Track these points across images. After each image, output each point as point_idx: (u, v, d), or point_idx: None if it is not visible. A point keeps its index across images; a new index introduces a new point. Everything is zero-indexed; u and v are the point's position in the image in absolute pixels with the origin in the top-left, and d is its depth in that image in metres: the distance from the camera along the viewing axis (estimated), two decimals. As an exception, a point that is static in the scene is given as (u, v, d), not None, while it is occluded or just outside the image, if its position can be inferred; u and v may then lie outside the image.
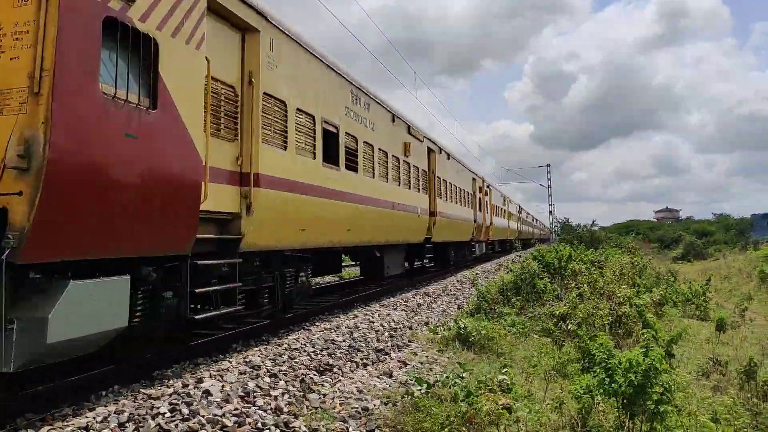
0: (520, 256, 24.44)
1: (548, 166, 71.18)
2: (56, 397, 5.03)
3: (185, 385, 5.31)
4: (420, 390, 5.44)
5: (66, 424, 4.37)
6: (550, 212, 70.56)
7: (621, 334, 8.95)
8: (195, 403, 4.86)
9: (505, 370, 6.03)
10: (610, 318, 9.23)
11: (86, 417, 4.48)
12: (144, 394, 5.10)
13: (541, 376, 6.87)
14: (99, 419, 4.44)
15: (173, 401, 4.87)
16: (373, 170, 12.17)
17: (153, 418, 4.52)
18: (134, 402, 4.88)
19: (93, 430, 4.28)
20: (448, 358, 7.79)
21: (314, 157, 9.16)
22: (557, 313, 9.74)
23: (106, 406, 4.77)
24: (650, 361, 4.48)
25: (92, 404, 4.96)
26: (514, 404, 4.89)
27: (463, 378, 5.70)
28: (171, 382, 5.52)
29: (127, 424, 4.41)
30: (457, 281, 18.45)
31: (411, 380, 6.13)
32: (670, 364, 6.07)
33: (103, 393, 5.30)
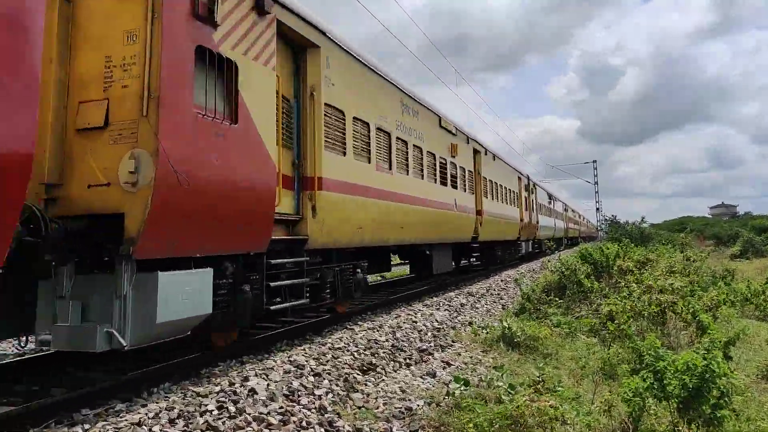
0: (561, 255, 23.93)
1: (594, 162, 69.34)
2: (111, 394, 5.22)
3: (232, 384, 5.42)
4: (462, 390, 5.38)
5: (120, 419, 4.52)
6: (597, 209, 68.82)
7: (669, 328, 8.65)
8: (241, 401, 4.95)
9: (543, 369, 5.89)
10: (656, 309, 8.92)
11: (138, 413, 4.63)
12: (193, 391, 5.22)
13: (589, 378, 6.70)
14: (151, 415, 4.57)
15: (220, 399, 4.98)
16: (422, 172, 12.71)
17: (201, 415, 4.63)
18: (183, 399, 5.01)
19: (145, 425, 4.41)
20: (493, 358, 7.69)
21: (369, 161, 9.83)
22: (605, 311, 9.48)
23: (157, 403, 4.91)
24: (708, 363, 4.29)
25: (144, 401, 5.12)
26: (562, 406, 4.78)
27: (506, 379, 5.61)
28: (218, 380, 5.64)
29: (177, 421, 4.52)
30: (501, 281, 18.21)
31: (454, 380, 6.08)
32: (728, 367, 5.81)
33: (155, 390, 5.46)
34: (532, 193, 30.28)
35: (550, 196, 39.57)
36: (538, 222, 31.44)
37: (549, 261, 21.00)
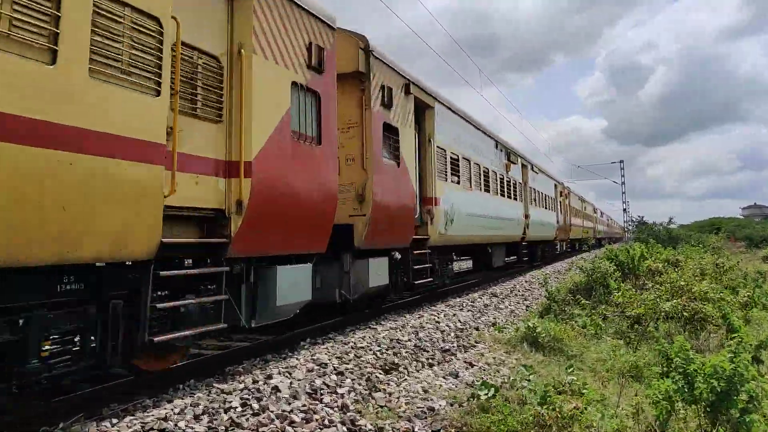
0: (590, 255, 23.81)
1: (621, 162, 68.16)
2: (138, 390, 5.32)
3: (255, 381, 5.48)
4: (486, 394, 5.34)
5: (146, 414, 4.60)
6: (624, 210, 67.70)
7: (697, 332, 8.47)
8: (264, 399, 5.00)
9: (571, 370, 5.82)
10: (685, 314, 8.75)
11: (165, 408, 4.71)
12: (217, 388, 5.30)
13: (615, 380, 6.60)
14: (176, 411, 4.65)
15: (244, 396, 5.03)
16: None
17: (225, 412, 4.69)
18: (208, 396, 5.08)
19: (171, 420, 4.48)
20: (516, 359, 7.62)
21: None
22: (632, 313, 9.33)
23: (182, 399, 4.99)
24: (735, 366, 4.19)
25: (170, 397, 5.21)
26: (586, 408, 4.71)
27: (530, 380, 5.55)
28: (242, 377, 5.71)
29: (201, 417, 4.59)
30: (526, 281, 18.04)
31: (477, 381, 6.04)
32: (758, 371, 5.67)
33: (180, 386, 5.55)
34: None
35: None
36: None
37: (574, 262, 20.89)
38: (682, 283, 10.69)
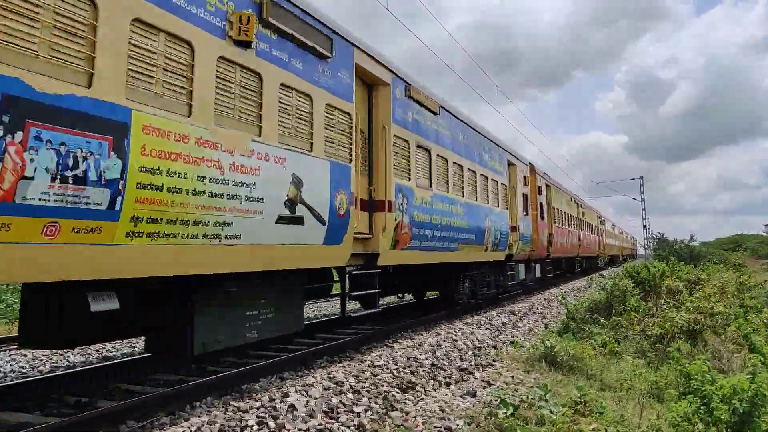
0: (604, 274, 23.64)
1: (641, 178, 67.37)
2: (155, 407, 5.35)
3: (272, 399, 5.48)
4: (505, 413, 5.28)
5: (163, 432, 4.63)
6: (644, 227, 66.78)
7: (720, 351, 8.30)
8: (281, 417, 5.00)
9: (589, 390, 5.73)
10: (708, 328, 8.60)
11: (182, 426, 4.73)
12: (234, 406, 5.31)
13: (635, 400, 6.48)
14: (193, 429, 4.67)
15: (260, 414, 5.04)
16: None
17: (242, 430, 4.70)
18: (225, 414, 5.10)
19: (187, 439, 4.50)
20: (535, 378, 7.53)
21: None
22: (654, 333, 9.18)
23: (199, 417, 5.01)
24: (756, 387, 4.10)
25: (187, 414, 5.24)
26: (606, 430, 4.64)
27: (547, 401, 5.48)
28: (258, 395, 5.71)
29: (218, 435, 4.60)
30: (545, 299, 17.86)
31: (495, 400, 5.98)
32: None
33: (197, 404, 5.57)
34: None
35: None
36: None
37: (602, 277, 20.75)
38: (703, 305, 10.51)
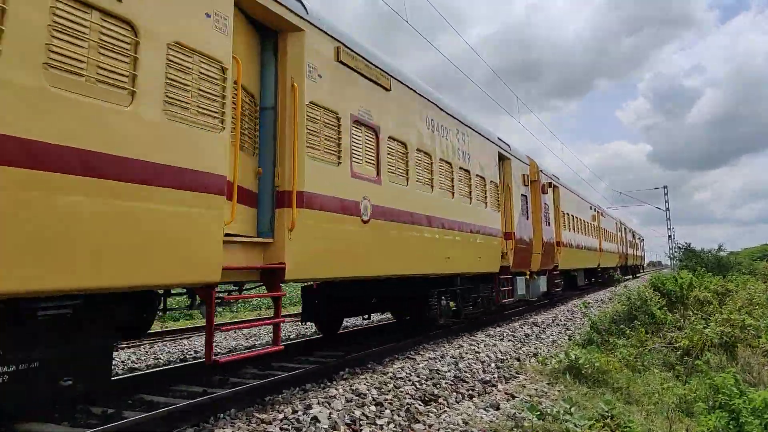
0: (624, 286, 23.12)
1: (665, 187, 66.26)
2: (180, 418, 5.40)
3: (295, 411, 5.49)
4: (534, 421, 5.20)
5: (188, 443, 4.66)
6: (669, 237, 65.55)
7: (751, 364, 8.09)
8: (304, 429, 5.01)
9: (615, 404, 5.62)
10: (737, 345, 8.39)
11: (206, 438, 4.76)
12: (257, 418, 5.33)
13: (663, 414, 6.34)
14: (217, 440, 4.70)
15: (284, 426, 5.05)
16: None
17: (265, 442, 4.71)
18: (248, 425, 5.12)
19: (212, 450, 4.53)
20: (559, 391, 7.42)
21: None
22: (681, 345, 8.99)
23: (223, 429, 5.04)
24: (790, 401, 3.99)
25: (211, 426, 5.27)
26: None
27: (572, 414, 5.40)
28: (281, 407, 5.73)
29: (242, 447, 4.62)
30: (568, 310, 17.63)
31: (519, 413, 5.91)
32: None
33: (221, 415, 5.61)
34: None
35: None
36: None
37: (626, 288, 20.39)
38: (735, 317, 10.26)
